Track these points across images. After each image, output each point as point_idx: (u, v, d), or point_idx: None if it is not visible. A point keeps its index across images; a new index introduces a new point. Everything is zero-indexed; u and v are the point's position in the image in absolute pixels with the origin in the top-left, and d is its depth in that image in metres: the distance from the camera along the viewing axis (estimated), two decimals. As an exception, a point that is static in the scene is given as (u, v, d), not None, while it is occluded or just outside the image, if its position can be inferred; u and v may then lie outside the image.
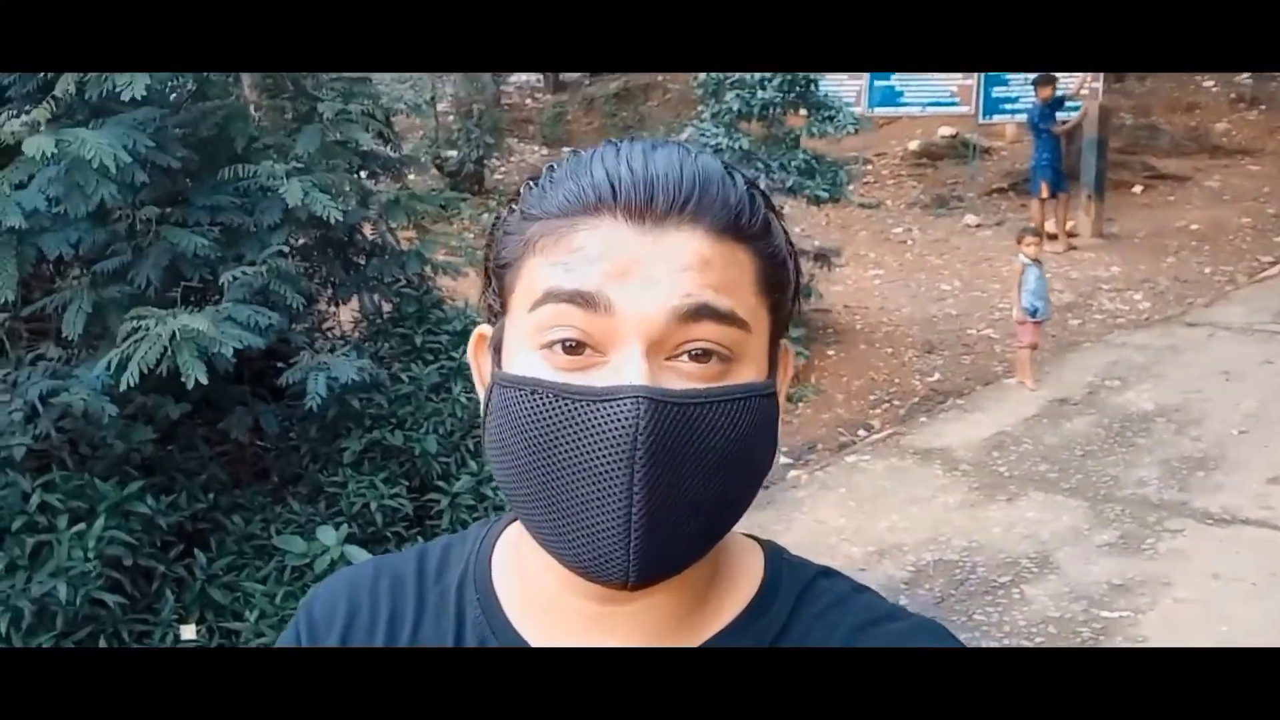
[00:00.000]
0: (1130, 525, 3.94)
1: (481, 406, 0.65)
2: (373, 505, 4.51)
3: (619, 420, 0.55)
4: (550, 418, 0.57)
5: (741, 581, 0.68)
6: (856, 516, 4.24)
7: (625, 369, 0.56)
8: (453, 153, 10.13)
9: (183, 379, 2.92)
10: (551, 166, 0.63)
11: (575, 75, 15.59)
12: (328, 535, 3.67)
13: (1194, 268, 7.73)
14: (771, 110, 6.21)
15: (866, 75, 9.67)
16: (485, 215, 9.50)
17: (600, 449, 0.55)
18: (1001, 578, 3.65)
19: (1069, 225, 8.57)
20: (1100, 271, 7.72)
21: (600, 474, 0.55)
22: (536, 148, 13.21)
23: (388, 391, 4.86)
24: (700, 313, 0.57)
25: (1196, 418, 4.91)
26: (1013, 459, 4.71)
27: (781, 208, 6.37)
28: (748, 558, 0.69)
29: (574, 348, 0.57)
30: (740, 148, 6.13)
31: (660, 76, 14.23)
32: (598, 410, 0.55)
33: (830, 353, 6.48)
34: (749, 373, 0.59)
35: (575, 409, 0.56)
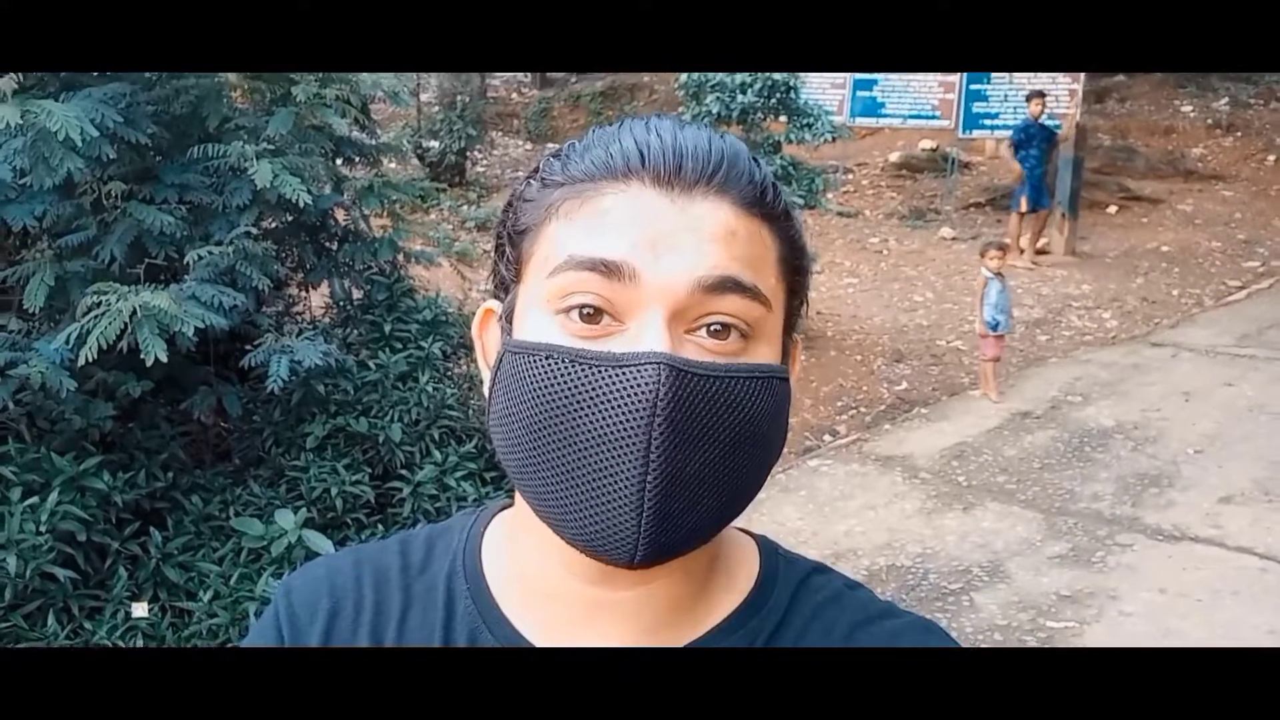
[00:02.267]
0: (1082, 538, 4.00)
1: (486, 383, 0.63)
2: (333, 491, 4.51)
3: (639, 386, 0.53)
4: (565, 384, 0.55)
5: (738, 574, 0.67)
6: (815, 520, 4.28)
7: (646, 337, 0.54)
8: (434, 143, 10.10)
9: (142, 356, 2.92)
10: (573, 141, 0.62)
11: (561, 73, 15.59)
12: (286, 519, 3.66)
13: (1163, 289, 7.84)
14: (751, 115, 6.24)
15: (849, 85, 9.74)
16: (465, 207, 9.50)
17: (617, 416, 0.53)
18: (952, 585, 3.70)
19: (1043, 242, 8.66)
20: (1071, 289, 7.82)
21: (616, 442, 0.53)
22: (520, 142, 13.20)
23: (353, 378, 4.86)
24: (724, 285, 0.56)
25: (1154, 436, 4.99)
26: (972, 469, 4.76)
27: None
28: (743, 551, 0.69)
29: (592, 315, 0.56)
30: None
31: (647, 77, 14.26)
32: (617, 376, 0.53)
33: (800, 358, 6.52)
34: (766, 352, 0.58)
35: (592, 374, 0.54)
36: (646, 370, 0.53)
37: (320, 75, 4.71)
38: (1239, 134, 11.54)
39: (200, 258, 3.39)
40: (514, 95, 14.57)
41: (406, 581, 0.69)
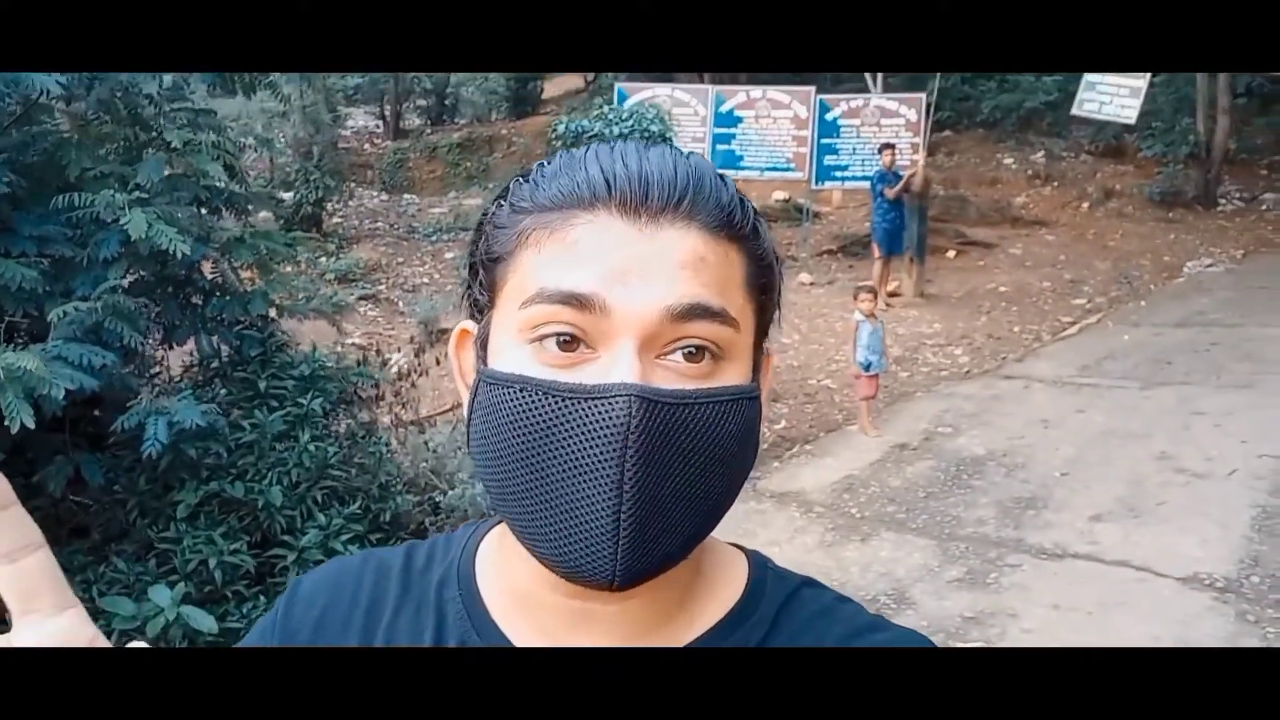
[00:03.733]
0: (975, 561, 4.18)
1: (465, 404, 0.64)
2: (211, 562, 4.20)
3: (611, 418, 0.54)
4: (539, 416, 0.56)
5: (725, 586, 0.68)
6: (720, 561, 4.28)
7: (617, 367, 0.55)
8: (288, 194, 9.73)
9: (7, 423, 2.64)
10: (541, 164, 0.63)
11: (417, 122, 15.43)
12: (161, 595, 3.38)
13: (1005, 326, 8.40)
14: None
15: (708, 139, 10.07)
16: (324, 259, 9.17)
17: (591, 447, 0.54)
18: (863, 615, 3.76)
19: (894, 285, 9.14)
20: (924, 328, 8.26)
21: (590, 472, 0.54)
22: (375, 193, 12.91)
23: (226, 440, 4.56)
24: (694, 312, 0.57)
25: (1022, 462, 5.29)
26: (863, 501, 4.91)
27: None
28: (732, 564, 0.69)
29: (568, 343, 0.57)
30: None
31: (503, 130, 14.29)
32: (589, 408, 0.55)
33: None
34: (737, 371, 0.59)
35: (565, 406, 0.55)
36: (618, 402, 0.54)
37: (189, 119, 4.47)
38: (1056, 184, 12.60)
39: (64, 315, 3.12)
40: (366, 145, 14.27)
41: (406, 582, 0.71)
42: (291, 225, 9.44)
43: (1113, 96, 8.12)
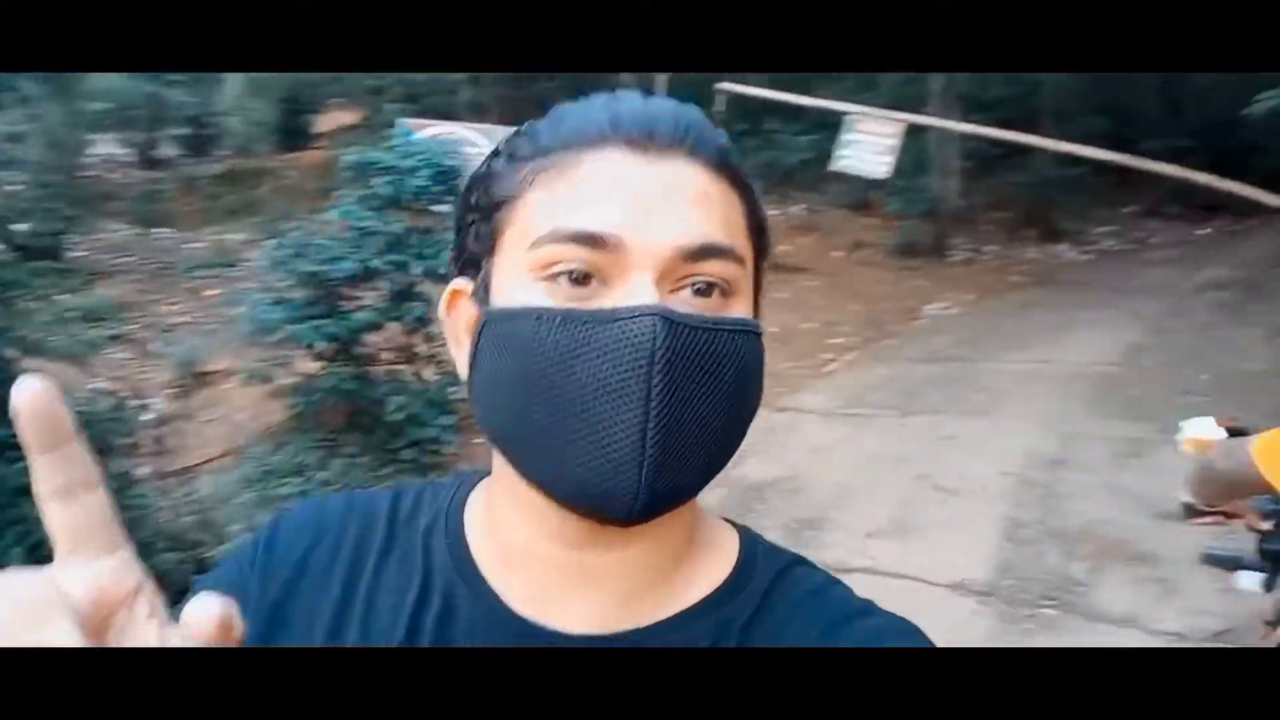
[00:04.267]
0: (767, 582, 4.36)
1: (461, 362, 0.63)
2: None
3: (636, 338, 0.54)
4: (559, 342, 0.55)
5: (718, 556, 0.68)
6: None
7: (636, 294, 0.56)
8: (24, 225, 8.74)
9: None
10: (534, 121, 0.63)
11: (172, 152, 14.37)
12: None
13: (776, 364, 8.91)
14: (423, 197, 6.21)
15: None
16: (65, 296, 8.27)
17: (616, 366, 0.54)
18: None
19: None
20: (704, 366, 8.60)
21: (617, 393, 0.54)
22: (123, 225, 11.84)
23: (-46, 494, 4.03)
24: (706, 251, 0.58)
25: (800, 486, 5.62)
26: (658, 531, 5.01)
27: (431, 296, 6.19)
28: (724, 535, 0.70)
29: (581, 279, 0.57)
30: (395, 232, 6.03)
31: (272, 163, 13.60)
32: (613, 329, 0.55)
33: (478, 441, 6.47)
34: (743, 308, 0.61)
35: (587, 330, 0.55)
36: (643, 322, 0.54)
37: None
38: (816, 233, 13.59)
39: None
40: (114, 175, 13.10)
41: (392, 528, 0.69)
42: (26, 258, 8.48)
43: (867, 153, 8.88)
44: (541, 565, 0.63)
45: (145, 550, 4.23)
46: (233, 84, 16.41)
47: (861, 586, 0.69)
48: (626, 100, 0.61)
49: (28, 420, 0.40)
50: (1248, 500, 1.96)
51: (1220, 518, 2.03)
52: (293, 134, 15.29)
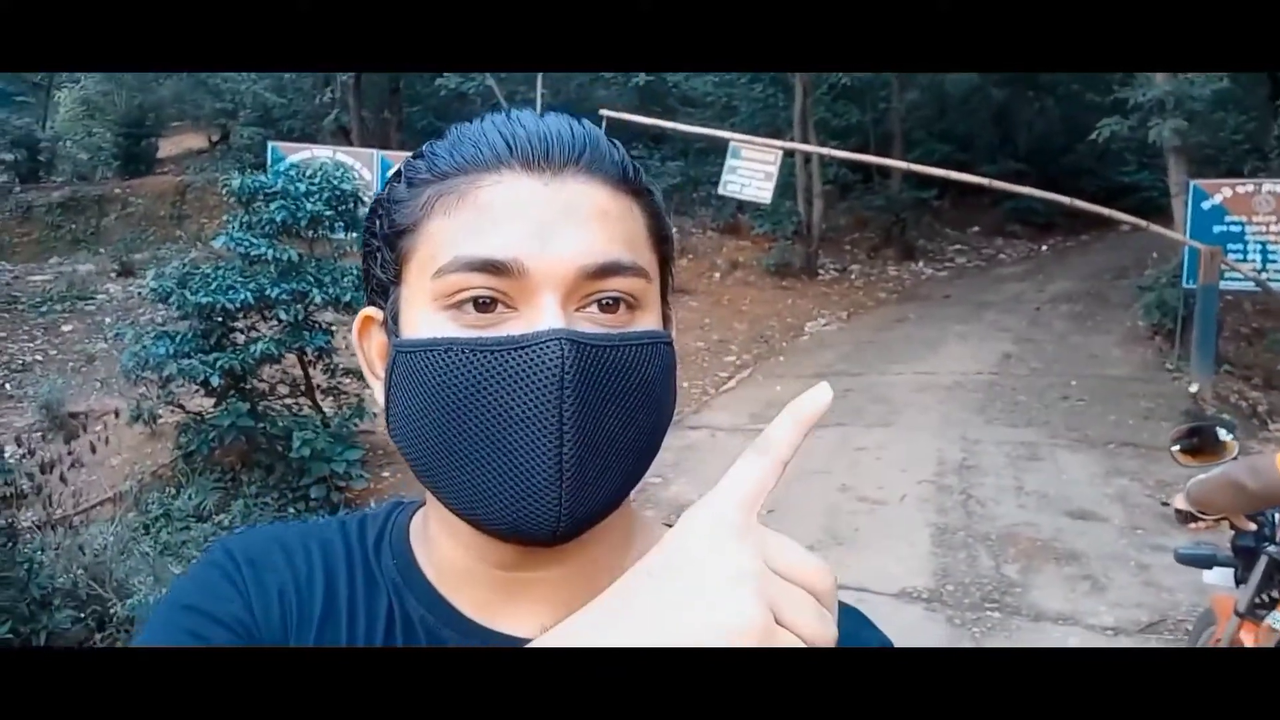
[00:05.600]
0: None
1: (378, 389, 0.63)
2: None
3: (545, 364, 0.54)
4: (468, 374, 0.56)
5: None
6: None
7: (542, 318, 0.56)
8: None
9: None
10: (432, 141, 0.63)
11: (2, 179, 13.19)
12: None
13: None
14: (320, 224, 5.91)
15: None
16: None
17: (528, 394, 0.55)
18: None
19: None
20: (603, 389, 8.56)
21: (529, 420, 0.55)
22: (-50, 259, 10.75)
23: None
24: (608, 270, 0.58)
25: (730, 505, 5.62)
26: (598, 558, 4.91)
27: (331, 325, 5.89)
28: (662, 534, 0.71)
29: (487, 304, 0.57)
30: (289, 259, 5.70)
31: (116, 189, 12.69)
32: (521, 357, 0.55)
33: (386, 475, 6.19)
34: (650, 320, 0.61)
35: (496, 359, 0.55)
36: (550, 347, 0.55)
37: None
38: (691, 256, 13.81)
39: None
40: (-67, 204, 11.90)
41: (349, 556, 0.68)
42: None
43: (751, 179, 9.10)
44: (482, 585, 0.64)
45: (39, 609, 3.76)
46: (67, 105, 15.27)
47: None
48: (522, 121, 0.61)
49: None
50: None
51: (1213, 523, 2.16)
52: (135, 159, 14.35)
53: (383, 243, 0.62)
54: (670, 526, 0.64)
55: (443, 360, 0.56)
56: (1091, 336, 9.56)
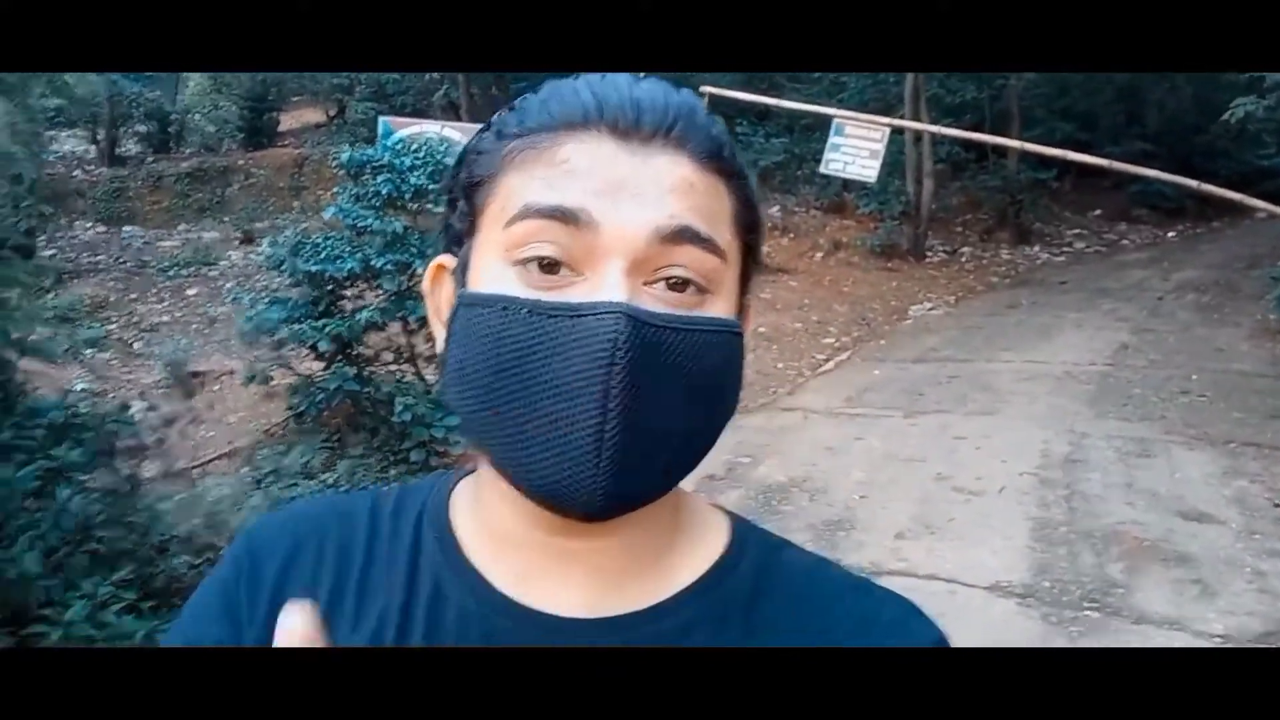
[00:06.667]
0: (805, 584, 4.30)
1: (439, 339, 0.63)
2: (-47, 649, 3.48)
3: (598, 335, 0.53)
4: (523, 334, 0.55)
5: (706, 537, 0.67)
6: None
7: (605, 286, 0.55)
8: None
9: None
10: (525, 94, 0.62)
11: (135, 149, 13.95)
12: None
13: (769, 363, 8.89)
14: (421, 196, 6.06)
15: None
16: (41, 296, 7.93)
17: (576, 364, 0.53)
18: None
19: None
20: (698, 366, 8.54)
21: (574, 390, 0.53)
22: (89, 224, 11.45)
23: (-42, 501, 3.83)
24: (683, 235, 0.56)
25: (822, 487, 5.57)
26: (685, 534, 4.92)
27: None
28: (712, 518, 0.69)
29: (550, 266, 0.56)
30: (393, 231, 5.87)
31: (240, 160, 13.27)
32: (575, 325, 0.54)
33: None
34: (722, 307, 0.59)
35: (550, 324, 0.54)
36: (605, 319, 0.53)
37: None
38: (792, 235, 13.62)
39: None
40: (76, 173, 12.66)
41: (374, 526, 0.68)
42: (3, 257, 8.15)
43: (855, 157, 8.90)
44: (527, 550, 0.63)
45: (158, 554, 4.00)
46: (196, 80, 16.01)
47: (898, 589, 0.67)
48: (616, 84, 0.59)
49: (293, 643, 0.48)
50: None
51: None
52: (257, 132, 14.97)
53: (461, 193, 0.62)
54: (715, 506, 0.70)
55: (499, 318, 0.55)
56: (1218, 329, 9.04)
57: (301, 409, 6.09)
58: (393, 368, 6.54)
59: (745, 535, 0.68)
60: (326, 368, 6.21)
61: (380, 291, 6.23)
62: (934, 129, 11.26)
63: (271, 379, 6.33)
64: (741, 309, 0.62)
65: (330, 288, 6.14)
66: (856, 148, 9.17)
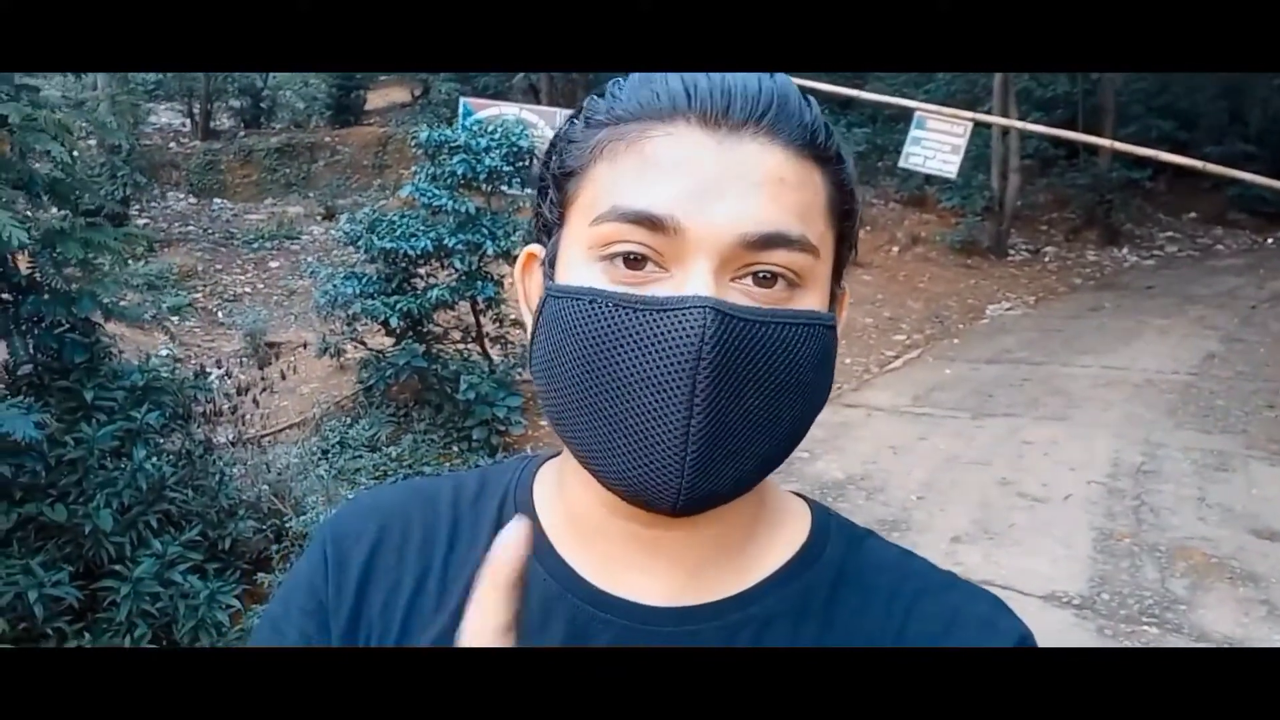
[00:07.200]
0: (855, 583, 4.26)
1: (529, 328, 0.62)
2: (31, 595, 3.69)
3: (684, 331, 0.53)
4: (609, 328, 0.54)
5: (789, 527, 0.67)
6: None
7: (691, 283, 0.54)
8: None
9: None
10: (617, 80, 0.61)
11: (228, 123, 14.42)
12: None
13: (838, 359, 8.77)
14: (495, 178, 6.14)
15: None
16: (131, 262, 8.31)
17: (662, 360, 0.53)
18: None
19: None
20: (764, 358, 8.48)
21: (660, 386, 0.53)
22: (182, 195, 11.90)
23: (44, 456, 4.02)
24: (771, 241, 0.55)
25: (880, 485, 5.50)
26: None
27: (502, 277, 6.10)
28: (794, 506, 0.69)
29: (636, 261, 0.55)
30: (467, 211, 5.96)
31: (326, 137, 13.61)
32: (661, 320, 0.53)
33: (544, 422, 6.41)
34: (813, 300, 0.58)
35: (636, 319, 0.54)
36: (692, 314, 0.53)
37: (12, 95, 3.96)
38: (868, 229, 13.40)
39: None
40: (171, 145, 13.15)
41: (457, 511, 0.69)
42: (94, 225, 8.54)
43: (936, 151, 8.70)
44: (610, 538, 0.63)
45: (226, 517, 4.14)
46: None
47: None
48: (706, 72, 0.58)
49: (509, 561, 0.47)
50: None
51: None
52: (345, 109, 15.31)
53: (552, 182, 0.61)
54: (799, 496, 0.70)
55: (586, 311, 0.55)
56: (1313, 342, 8.62)
57: (371, 383, 6.25)
58: (460, 346, 6.65)
59: (826, 524, 0.67)
60: (396, 343, 6.35)
61: (451, 270, 6.34)
62: (1018, 124, 10.93)
63: (344, 352, 6.50)
64: (834, 297, 0.61)
65: (404, 265, 6.27)
66: (938, 142, 8.96)
